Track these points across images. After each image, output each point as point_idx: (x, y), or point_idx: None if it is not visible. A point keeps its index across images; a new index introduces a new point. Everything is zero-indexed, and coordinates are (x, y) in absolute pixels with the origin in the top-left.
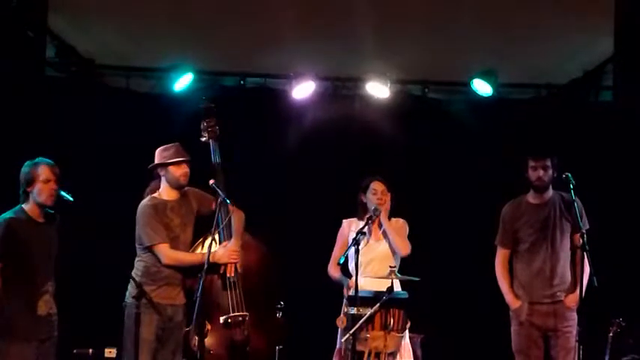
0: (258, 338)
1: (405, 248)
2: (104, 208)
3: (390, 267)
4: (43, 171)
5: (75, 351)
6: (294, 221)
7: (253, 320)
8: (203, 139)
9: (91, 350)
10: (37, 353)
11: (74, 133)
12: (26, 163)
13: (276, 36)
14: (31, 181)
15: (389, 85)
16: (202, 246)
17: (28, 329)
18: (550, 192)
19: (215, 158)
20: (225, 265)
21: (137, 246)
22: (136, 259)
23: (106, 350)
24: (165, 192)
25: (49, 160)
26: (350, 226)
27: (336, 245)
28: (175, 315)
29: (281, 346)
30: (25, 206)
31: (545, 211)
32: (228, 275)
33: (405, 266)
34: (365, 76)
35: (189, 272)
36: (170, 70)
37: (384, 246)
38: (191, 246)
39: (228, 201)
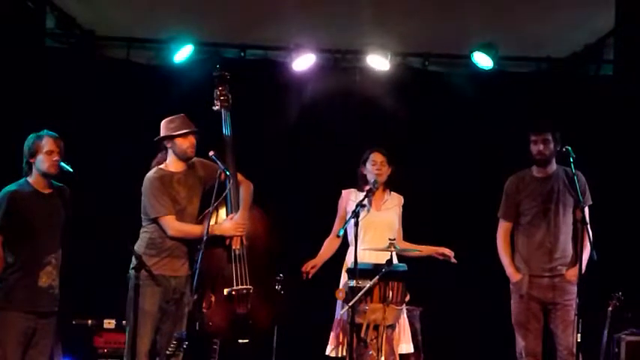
0: (260, 312)
1: None
2: (104, 179)
3: (390, 240)
4: (47, 142)
5: (74, 322)
6: (294, 194)
7: (257, 294)
8: (215, 107)
9: (90, 321)
10: (34, 327)
11: (74, 104)
12: (30, 136)
13: (276, 7)
14: (34, 152)
15: (389, 57)
16: (216, 216)
17: (27, 300)
18: (554, 166)
19: (226, 128)
20: (231, 237)
21: (142, 217)
22: (141, 230)
23: (105, 321)
24: (172, 164)
25: (53, 133)
26: (349, 197)
27: (336, 217)
28: (179, 286)
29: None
30: (29, 179)
31: (549, 185)
32: (233, 247)
33: (406, 239)
34: (365, 48)
35: (195, 244)
36: (170, 41)
37: (384, 216)
38: (197, 217)
39: (228, 172)
